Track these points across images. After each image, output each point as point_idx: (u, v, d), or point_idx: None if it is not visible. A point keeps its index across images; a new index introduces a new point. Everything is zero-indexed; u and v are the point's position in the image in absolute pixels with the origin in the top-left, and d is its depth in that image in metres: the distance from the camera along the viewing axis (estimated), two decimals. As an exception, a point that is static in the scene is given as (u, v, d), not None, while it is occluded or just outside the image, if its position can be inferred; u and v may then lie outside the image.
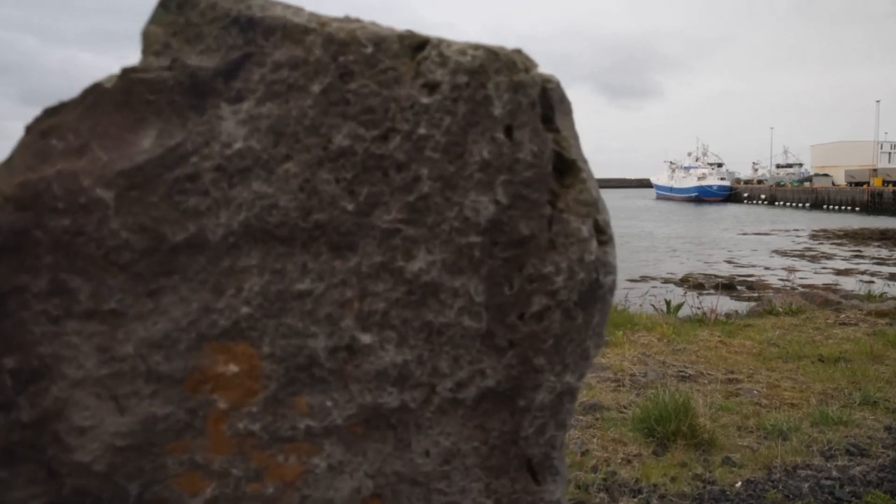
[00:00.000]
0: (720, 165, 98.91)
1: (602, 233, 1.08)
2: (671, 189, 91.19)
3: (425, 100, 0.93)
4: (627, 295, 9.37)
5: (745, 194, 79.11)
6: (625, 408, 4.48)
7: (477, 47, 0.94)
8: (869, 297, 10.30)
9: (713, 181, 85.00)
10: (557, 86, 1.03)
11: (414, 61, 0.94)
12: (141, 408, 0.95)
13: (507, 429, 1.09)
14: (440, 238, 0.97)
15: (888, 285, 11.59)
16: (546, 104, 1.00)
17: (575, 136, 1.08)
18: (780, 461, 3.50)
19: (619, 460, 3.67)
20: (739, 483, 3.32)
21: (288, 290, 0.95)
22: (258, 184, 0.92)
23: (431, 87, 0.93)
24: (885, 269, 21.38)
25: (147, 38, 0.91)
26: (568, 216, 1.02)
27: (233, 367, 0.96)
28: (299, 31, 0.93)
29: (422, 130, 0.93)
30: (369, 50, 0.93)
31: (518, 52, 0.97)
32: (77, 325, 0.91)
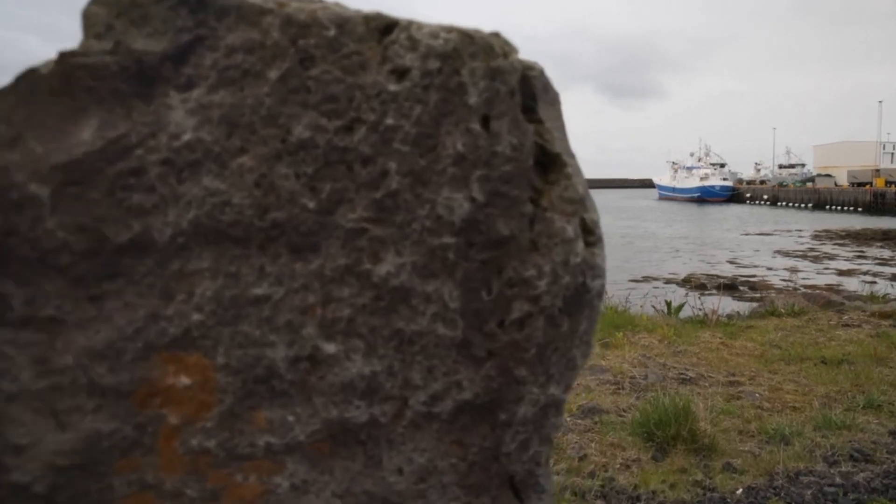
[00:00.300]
0: (723, 166, 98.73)
1: (590, 233, 1.00)
2: (674, 189, 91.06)
3: (393, 87, 0.85)
4: (629, 296, 9.28)
5: (748, 195, 78.97)
6: (624, 411, 4.39)
7: (450, 30, 0.86)
8: (872, 297, 10.21)
9: (716, 181, 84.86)
10: (541, 73, 0.95)
11: (381, 45, 0.86)
12: (84, 424, 0.87)
13: (488, 444, 1.01)
14: (410, 238, 0.88)
15: (892, 286, 11.48)
16: (527, 93, 0.92)
17: (560, 128, 1.00)
18: (782, 467, 3.41)
19: (618, 465, 3.58)
20: (740, 490, 3.23)
21: (243, 295, 0.87)
22: (209, 179, 0.84)
23: (400, 74, 0.85)
24: (888, 270, 21.29)
25: (88, 18, 0.83)
26: (552, 215, 0.94)
27: (184, 380, 0.88)
28: (255, 11, 0.85)
29: (389, 121, 0.85)
30: (332, 33, 0.84)
31: (496, 35, 0.89)
32: (10, 333, 0.83)
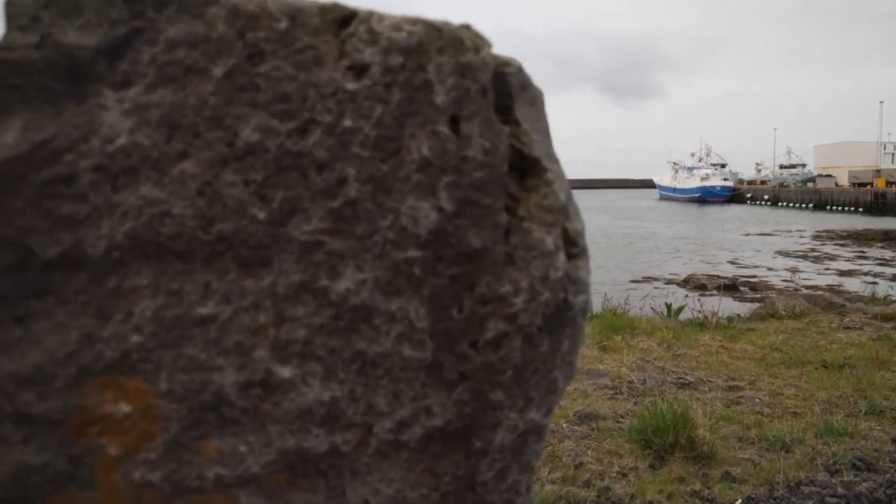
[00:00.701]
0: (723, 166, 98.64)
1: (573, 244, 0.92)
2: (674, 189, 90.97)
3: (351, 85, 0.77)
4: (628, 297, 9.19)
5: (749, 195, 78.87)
6: (622, 417, 4.31)
7: (415, 22, 0.78)
8: (873, 299, 10.13)
9: (716, 182, 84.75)
10: (519, 70, 0.87)
11: (338, 39, 0.77)
12: (11, 456, 0.79)
13: (462, 473, 0.93)
14: (372, 252, 0.80)
15: (892, 287, 11.39)
16: (502, 91, 0.84)
17: (541, 130, 0.92)
18: (782, 476, 3.33)
19: (615, 474, 3.50)
20: (739, 500, 3.15)
21: (187, 314, 0.79)
22: (148, 187, 0.76)
23: (359, 70, 0.77)
24: (889, 270, 21.22)
25: (11, 8, 0.75)
26: (529, 225, 0.85)
27: (124, 407, 0.80)
28: (199, 2, 0.76)
29: (347, 122, 0.77)
30: (283, 25, 0.76)
31: (466, 27, 0.81)
32: (-75, 358, 0.75)
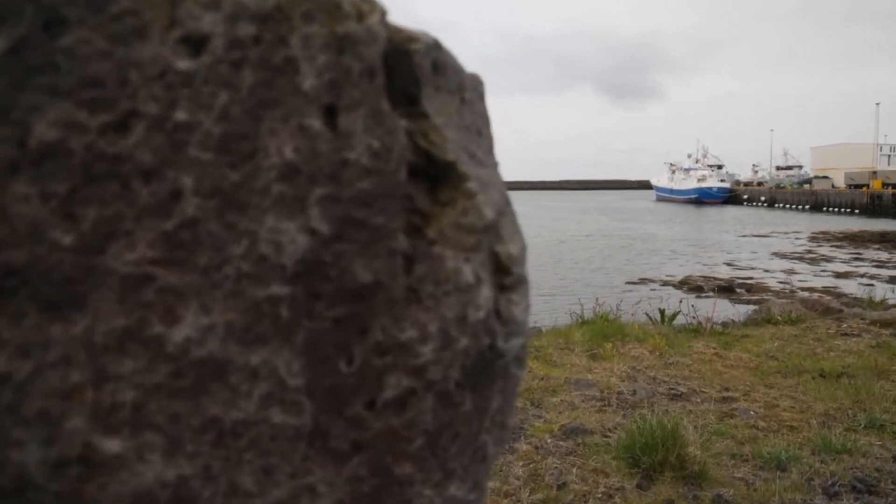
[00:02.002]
0: (720, 167, 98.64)
1: (505, 273, 0.72)
2: (671, 191, 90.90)
3: (185, 64, 0.57)
4: (621, 301, 9.00)
5: (745, 196, 78.83)
6: (610, 431, 4.11)
7: (273, -21, 0.58)
8: (871, 303, 9.95)
9: (713, 183, 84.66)
10: (430, 47, 0.67)
11: (168, 2, 0.57)
12: None
13: (367, 562, 0.73)
14: (221, 289, 0.60)
15: (892, 290, 11.22)
16: (405, 75, 0.64)
17: (465, 127, 0.72)
18: (777, 499, 3.13)
19: (599, 495, 3.30)
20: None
21: (-32, 374, 0.58)
22: None
23: (196, 44, 0.57)
24: (885, 272, 21.11)
25: None
26: (441, 250, 0.65)
27: None
28: (-21, -50, 0.56)
29: (181, 115, 0.57)
30: (93, -18, 0.56)
31: (349, -11, 0.60)
32: None
